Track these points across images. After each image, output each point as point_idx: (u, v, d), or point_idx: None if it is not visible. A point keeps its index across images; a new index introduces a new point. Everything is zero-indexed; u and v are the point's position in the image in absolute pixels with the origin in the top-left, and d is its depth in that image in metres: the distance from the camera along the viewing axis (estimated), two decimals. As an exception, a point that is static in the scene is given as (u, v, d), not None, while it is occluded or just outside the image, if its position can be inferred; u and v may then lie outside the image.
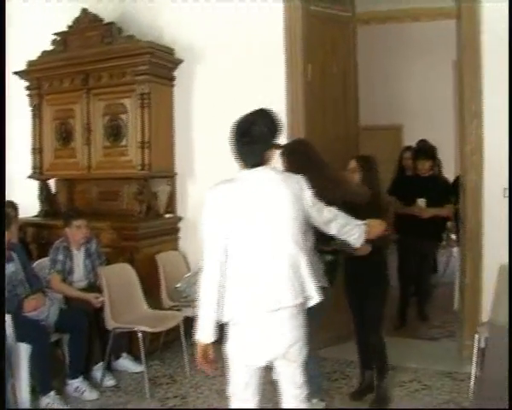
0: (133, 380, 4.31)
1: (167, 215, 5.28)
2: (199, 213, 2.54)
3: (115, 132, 5.08)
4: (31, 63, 5.44)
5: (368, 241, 3.07)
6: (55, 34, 5.36)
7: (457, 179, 5.02)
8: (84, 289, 4.40)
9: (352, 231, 2.83)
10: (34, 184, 5.61)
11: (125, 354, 4.50)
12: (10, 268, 3.85)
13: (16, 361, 3.73)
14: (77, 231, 4.41)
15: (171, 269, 4.86)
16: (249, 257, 2.44)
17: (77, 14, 5.27)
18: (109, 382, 4.21)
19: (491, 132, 4.22)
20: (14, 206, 4.79)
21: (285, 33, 4.71)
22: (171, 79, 5.24)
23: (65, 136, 5.39)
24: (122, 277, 4.47)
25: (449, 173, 5.99)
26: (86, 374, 4.15)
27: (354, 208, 2.95)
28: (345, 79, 5.03)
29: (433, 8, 7.80)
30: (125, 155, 5.05)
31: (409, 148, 6.12)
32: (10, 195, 4.91)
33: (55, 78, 5.36)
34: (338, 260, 3.56)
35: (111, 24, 5.09)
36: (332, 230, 2.79)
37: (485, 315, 4.11)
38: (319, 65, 4.82)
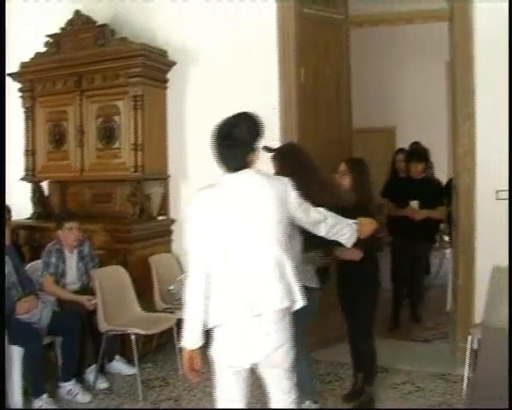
0: (126, 383, 4.30)
1: (160, 217, 5.27)
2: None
3: (108, 134, 5.07)
4: (24, 65, 5.42)
5: (361, 245, 3.06)
6: (48, 36, 5.34)
7: (450, 181, 5.04)
8: (77, 292, 4.40)
9: (343, 231, 2.80)
10: (27, 187, 5.59)
11: (117, 357, 4.49)
12: (2, 271, 3.84)
13: (9, 364, 3.71)
14: (69, 233, 4.40)
15: (164, 271, 4.85)
16: (234, 261, 2.42)
17: (70, 15, 5.25)
18: (102, 384, 4.20)
19: (483, 134, 4.22)
20: (6, 208, 4.76)
21: (278, 36, 4.71)
22: (165, 81, 5.23)
23: (58, 138, 5.37)
24: (115, 279, 4.46)
25: (442, 175, 6.02)
26: (79, 377, 4.15)
27: (343, 213, 2.88)
28: (338, 82, 5.03)
29: (426, 11, 7.81)
30: (118, 158, 5.03)
31: (402, 150, 6.14)
32: (2, 197, 4.88)
33: (48, 80, 5.34)
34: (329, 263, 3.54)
35: (104, 26, 5.08)
36: (321, 231, 2.75)
37: (477, 317, 4.11)
38: (312, 67, 4.83)
